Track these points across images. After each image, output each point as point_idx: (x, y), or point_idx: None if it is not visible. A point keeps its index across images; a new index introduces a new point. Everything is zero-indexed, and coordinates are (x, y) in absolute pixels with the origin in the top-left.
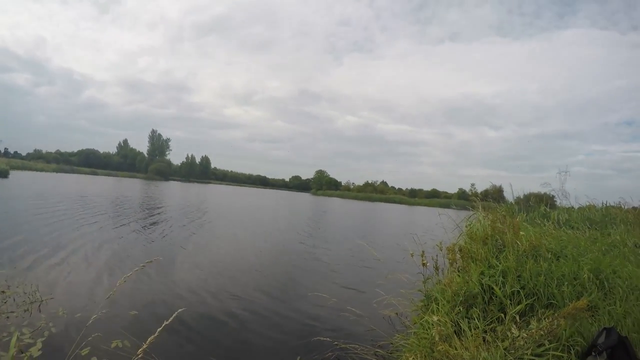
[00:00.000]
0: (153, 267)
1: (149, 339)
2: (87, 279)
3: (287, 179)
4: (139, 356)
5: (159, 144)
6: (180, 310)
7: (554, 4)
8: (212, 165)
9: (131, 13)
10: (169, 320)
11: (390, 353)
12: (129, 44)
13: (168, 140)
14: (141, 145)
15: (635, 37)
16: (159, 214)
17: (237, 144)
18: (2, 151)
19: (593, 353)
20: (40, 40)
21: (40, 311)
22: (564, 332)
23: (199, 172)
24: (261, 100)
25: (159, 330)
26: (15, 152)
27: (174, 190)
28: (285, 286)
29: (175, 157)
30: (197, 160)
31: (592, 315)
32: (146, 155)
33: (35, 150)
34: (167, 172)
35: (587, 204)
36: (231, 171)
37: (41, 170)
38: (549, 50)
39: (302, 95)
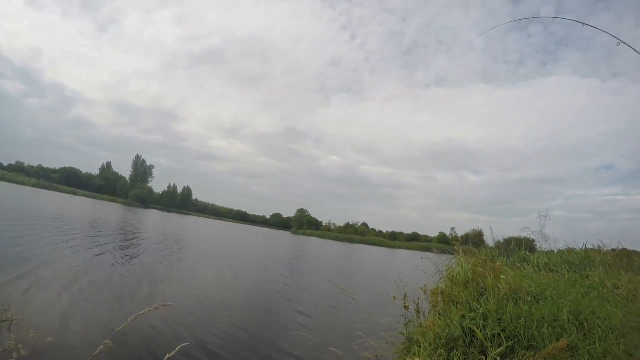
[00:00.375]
0: (123, 301)
1: None
2: (58, 302)
3: (268, 216)
4: None
5: (142, 170)
6: (183, 344)
7: (538, 53)
8: (194, 197)
9: (129, 35)
10: (172, 354)
11: None
12: (123, 65)
13: (151, 167)
14: (124, 169)
15: (615, 84)
16: (134, 240)
17: (219, 177)
18: None
19: None
20: (36, 51)
21: (10, 331)
22: None
23: (180, 202)
24: (248, 135)
25: None
26: None
27: (154, 220)
28: (264, 325)
29: (157, 184)
30: (179, 190)
31: (572, 356)
32: (128, 180)
33: (17, 162)
34: (148, 200)
35: (566, 247)
36: (212, 204)
37: (21, 183)
38: (532, 96)
39: (289, 133)
